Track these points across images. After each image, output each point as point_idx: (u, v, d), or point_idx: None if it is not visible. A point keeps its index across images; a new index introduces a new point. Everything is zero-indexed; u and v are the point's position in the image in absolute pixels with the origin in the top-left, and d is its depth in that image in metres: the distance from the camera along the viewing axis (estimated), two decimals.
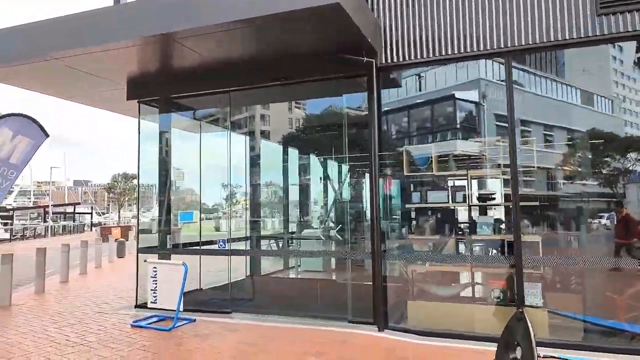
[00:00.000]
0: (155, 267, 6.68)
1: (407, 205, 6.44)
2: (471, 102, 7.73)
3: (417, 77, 7.94)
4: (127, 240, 19.44)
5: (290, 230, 12.12)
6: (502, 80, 6.83)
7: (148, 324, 6.49)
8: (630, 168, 6.65)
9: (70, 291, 9.70)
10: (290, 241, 11.78)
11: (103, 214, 75.92)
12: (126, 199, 53.44)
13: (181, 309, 6.42)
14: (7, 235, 34.30)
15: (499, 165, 6.58)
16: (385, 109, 7.05)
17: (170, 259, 7.92)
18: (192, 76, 7.32)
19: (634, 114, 6.76)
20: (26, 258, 18.45)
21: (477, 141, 6.69)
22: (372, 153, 6.22)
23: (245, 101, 8.36)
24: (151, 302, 6.67)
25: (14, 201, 66.75)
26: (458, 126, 8.50)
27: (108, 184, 53.39)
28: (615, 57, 6.31)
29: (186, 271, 6.40)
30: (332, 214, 10.56)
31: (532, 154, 6.14)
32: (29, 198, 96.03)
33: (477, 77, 6.89)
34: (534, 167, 5.91)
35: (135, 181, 53.01)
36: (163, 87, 7.73)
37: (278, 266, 11.33)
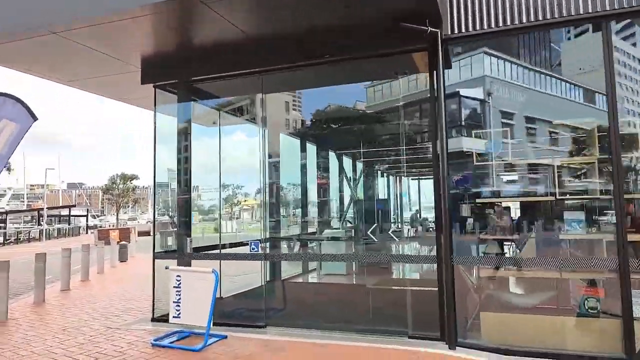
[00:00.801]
0: (179, 276, 5.70)
1: (477, 200, 5.51)
2: (476, 99, 7.38)
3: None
4: (129, 243, 18.38)
5: (318, 231, 11.18)
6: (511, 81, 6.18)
7: (171, 342, 5.51)
8: None
9: (73, 301, 8.68)
10: (306, 243, 10.84)
11: (98, 216, 74.54)
12: (124, 200, 52.00)
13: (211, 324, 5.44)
14: (0, 240, 33.06)
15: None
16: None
17: (190, 265, 6.96)
18: (216, 55, 6.36)
19: (631, 113, 6.26)
20: (22, 264, 17.32)
21: (566, 125, 5.76)
22: (440, 141, 5.27)
23: (279, 86, 7.34)
24: (174, 317, 5.69)
25: (7, 204, 65.27)
26: (463, 124, 7.95)
27: (105, 185, 51.86)
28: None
29: (217, 280, 5.43)
30: (375, 214, 9.55)
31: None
32: (22, 201, 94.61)
33: (482, 75, 6.68)
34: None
35: (134, 182, 51.70)
36: (183, 69, 6.75)
37: (294, 269, 10.39)
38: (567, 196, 5.21)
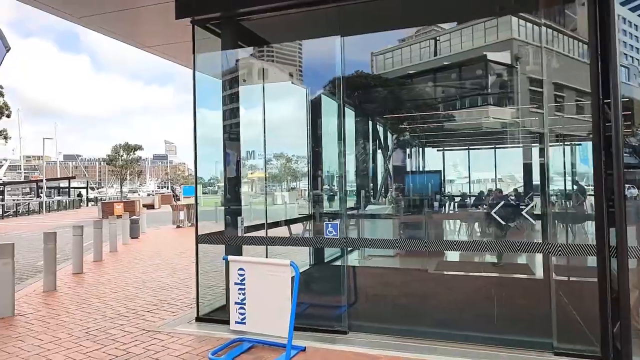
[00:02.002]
0: (242, 269, 4.30)
1: None
2: (503, 64, 7.10)
3: (434, 40, 7.83)
4: (137, 217, 16.94)
5: (362, 206, 9.76)
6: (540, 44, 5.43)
7: (235, 358, 4.16)
8: None
9: (90, 290, 7.32)
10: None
11: (95, 188, 73.17)
12: (128, 172, 50.15)
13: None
14: None
15: None
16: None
17: (241, 252, 5.57)
18: None
19: None
20: (24, 239, 15.96)
21: None
22: (614, 95, 3.80)
23: (365, 23, 5.63)
24: (237, 323, 4.32)
25: (4, 175, 63.70)
26: (489, 91, 7.73)
27: (108, 155, 49.95)
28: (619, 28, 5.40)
29: (298, 276, 4.04)
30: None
31: None
32: (19, 172, 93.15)
33: (510, 37, 6.33)
34: None
35: (138, 153, 49.73)
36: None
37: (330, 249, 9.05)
38: None
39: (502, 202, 5.35)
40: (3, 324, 5.47)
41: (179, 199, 51.14)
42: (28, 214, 34.58)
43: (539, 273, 5.98)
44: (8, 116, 33.09)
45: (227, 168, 5.61)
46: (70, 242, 13.46)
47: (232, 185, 5.68)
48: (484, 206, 7.18)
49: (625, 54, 5.92)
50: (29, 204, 36.90)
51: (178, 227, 18.62)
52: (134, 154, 48.92)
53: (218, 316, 5.44)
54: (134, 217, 15.70)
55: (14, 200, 40.45)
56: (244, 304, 4.29)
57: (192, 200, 24.34)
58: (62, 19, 5.82)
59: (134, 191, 66.07)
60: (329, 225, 4.86)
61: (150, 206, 38.39)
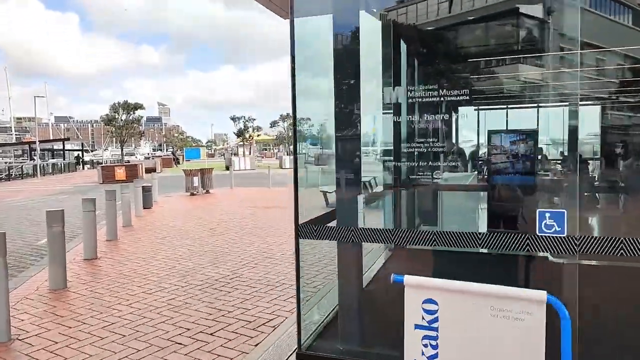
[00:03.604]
0: (433, 303, 2.32)
1: None
2: (535, 18, 6.16)
3: None
4: (150, 184, 14.85)
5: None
6: None
7: None
8: None
9: (113, 288, 5.37)
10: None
11: (89, 151, 70.62)
12: (129, 132, 47.08)
13: None
14: None
15: None
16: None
17: (361, 250, 3.58)
18: None
19: None
20: (21, 208, 13.93)
21: None
22: None
23: None
24: None
25: None
26: (519, 47, 6.64)
27: (107, 115, 46.63)
28: None
29: (568, 322, 2.08)
30: None
31: None
32: (10, 134, 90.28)
33: None
34: None
35: (138, 112, 46.44)
36: None
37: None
38: None
39: None
40: None
41: (179, 162, 48.89)
42: (22, 178, 32.42)
43: None
44: None
45: (341, 122, 3.53)
46: (73, 213, 11.45)
47: (345, 152, 3.61)
48: None
49: None
50: (22, 167, 34.66)
51: (192, 194, 16.62)
52: (134, 113, 45.77)
53: (326, 349, 3.53)
54: (145, 184, 13.62)
55: (6, 163, 38.19)
56: None
57: (197, 165, 22.39)
58: None
59: (130, 154, 63.59)
60: (546, 214, 2.85)
61: (152, 170, 36.24)
